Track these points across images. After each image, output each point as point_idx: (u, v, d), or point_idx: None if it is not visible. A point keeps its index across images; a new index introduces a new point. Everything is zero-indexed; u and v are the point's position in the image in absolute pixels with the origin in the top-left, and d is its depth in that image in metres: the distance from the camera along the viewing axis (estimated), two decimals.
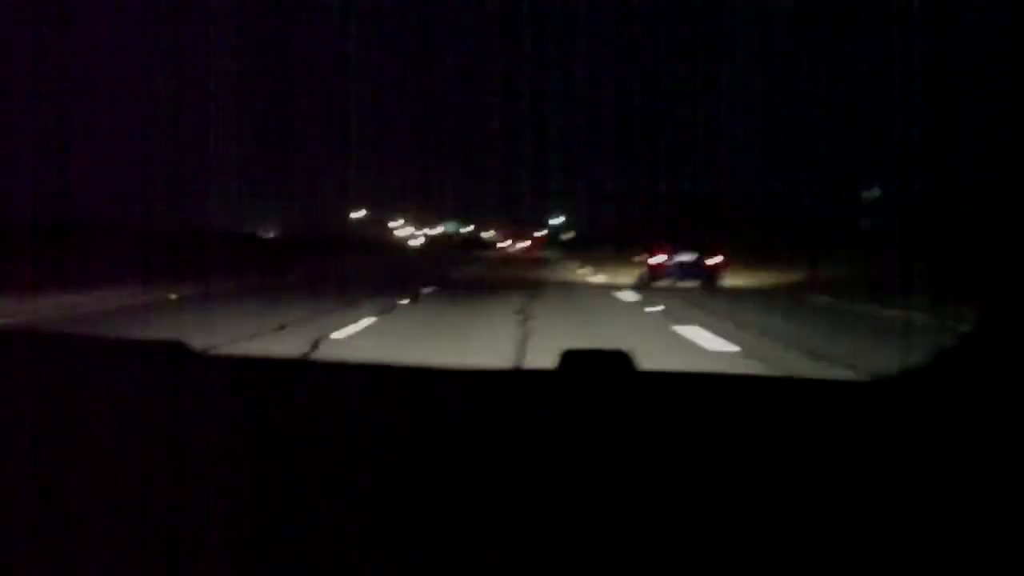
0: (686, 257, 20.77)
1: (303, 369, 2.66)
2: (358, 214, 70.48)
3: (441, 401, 1.74)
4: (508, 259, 47.56)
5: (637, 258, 22.99)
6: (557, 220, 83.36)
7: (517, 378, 2.20)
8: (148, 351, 1.98)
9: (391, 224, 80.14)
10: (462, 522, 1.38)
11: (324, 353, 8.13)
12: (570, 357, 1.85)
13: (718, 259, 20.82)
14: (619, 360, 1.85)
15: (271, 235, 48.68)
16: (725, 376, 2.46)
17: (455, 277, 24.69)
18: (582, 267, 33.47)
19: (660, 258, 20.93)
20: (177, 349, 1.92)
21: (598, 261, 36.50)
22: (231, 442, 1.52)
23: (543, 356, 4.10)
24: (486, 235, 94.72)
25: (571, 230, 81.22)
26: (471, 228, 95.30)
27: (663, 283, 20.59)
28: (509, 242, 78.37)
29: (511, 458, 1.50)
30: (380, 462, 1.49)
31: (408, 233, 79.17)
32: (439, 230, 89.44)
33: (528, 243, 75.77)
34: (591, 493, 1.41)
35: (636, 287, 20.68)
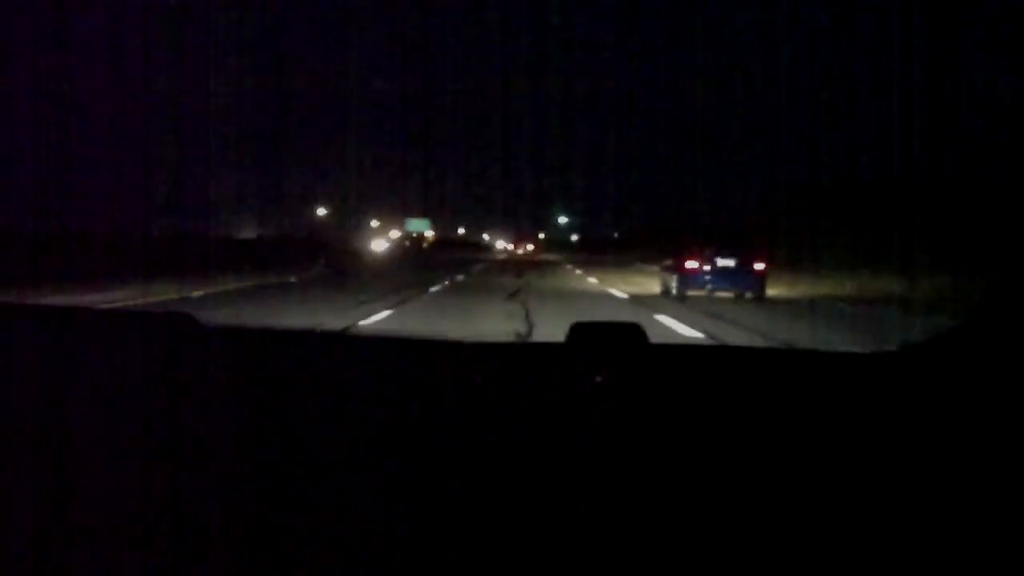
0: (727, 261, 17.44)
1: (314, 341, 2.61)
2: (323, 213, 62.83)
3: (449, 373, 1.74)
4: (508, 264, 40.58)
5: (666, 263, 19.42)
6: (563, 220, 79.86)
7: (526, 351, 2.19)
8: (155, 323, 1.96)
9: (373, 224, 72.24)
10: (473, 493, 1.39)
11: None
12: (579, 330, 1.81)
13: (762, 264, 17.51)
14: (630, 332, 1.82)
15: (252, 236, 45.44)
16: (736, 348, 2.89)
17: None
18: (590, 273, 30.02)
19: (694, 263, 17.54)
20: (185, 321, 1.89)
21: (613, 268, 33.24)
22: (236, 411, 1.54)
23: None
24: (486, 238, 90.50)
25: (577, 231, 77.85)
26: (466, 230, 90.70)
27: (694, 292, 17.30)
28: (511, 246, 74.70)
29: (519, 430, 1.52)
30: (390, 432, 1.51)
31: (384, 235, 68.86)
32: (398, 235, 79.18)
33: (532, 247, 72.47)
34: (601, 464, 1.43)
35: (668, 296, 17.54)
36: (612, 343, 1.82)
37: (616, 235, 76.75)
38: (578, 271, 31.85)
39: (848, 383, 1.68)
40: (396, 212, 76.28)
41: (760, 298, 17.13)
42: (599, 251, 63.58)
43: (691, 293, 17.32)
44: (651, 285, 20.47)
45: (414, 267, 31.06)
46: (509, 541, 1.34)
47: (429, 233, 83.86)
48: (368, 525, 1.37)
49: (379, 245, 59.11)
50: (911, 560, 1.29)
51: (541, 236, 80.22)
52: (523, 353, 2.06)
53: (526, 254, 65.03)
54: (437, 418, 1.54)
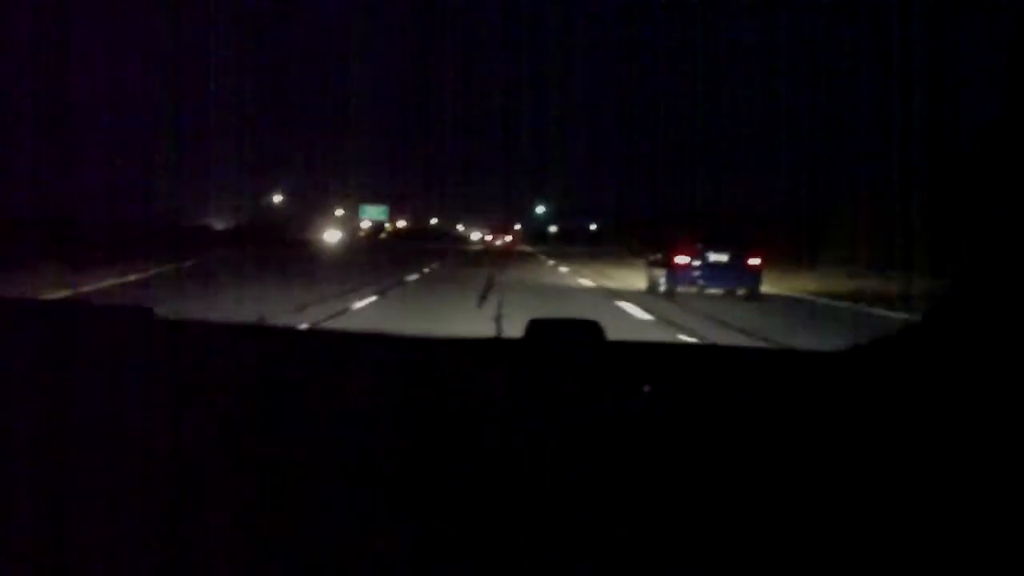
0: (719, 256, 16.15)
1: (277, 336, 2.55)
2: (277, 200, 57.63)
3: (409, 369, 1.76)
4: (482, 258, 36.58)
5: (651, 257, 18.06)
6: (540, 209, 78.19)
7: (483, 347, 2.11)
8: (114, 318, 1.93)
9: (338, 213, 66.86)
10: (436, 491, 1.38)
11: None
12: (537, 326, 1.80)
13: (758, 259, 16.24)
14: (588, 329, 1.80)
15: (226, 226, 43.54)
16: (697, 346, 2.80)
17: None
18: (568, 266, 28.57)
19: (685, 257, 16.23)
20: (143, 315, 1.89)
21: (596, 260, 31.80)
22: (199, 407, 1.53)
23: None
24: (460, 228, 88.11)
25: (555, 222, 76.53)
26: (441, 219, 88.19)
27: (682, 288, 16.04)
28: (489, 236, 73.07)
29: (477, 426, 1.52)
30: (346, 432, 1.50)
31: (341, 223, 62.42)
32: (367, 222, 71.95)
33: (510, 238, 71.12)
34: (558, 461, 1.43)
35: (654, 293, 16.26)
36: (570, 339, 1.83)
37: (593, 227, 75.52)
38: (562, 267, 28.93)
39: (813, 379, 1.73)
40: (365, 201, 72.90)
41: (754, 296, 15.89)
42: (578, 242, 62.06)
43: (681, 290, 16.06)
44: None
45: (368, 260, 27.50)
46: (474, 541, 1.32)
47: (399, 222, 78.69)
48: (346, 524, 1.34)
49: (332, 235, 53.29)
50: (891, 559, 1.27)
51: (517, 227, 78.75)
52: (480, 348, 2.04)
53: (504, 245, 63.58)
54: (395, 414, 1.55)
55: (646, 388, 1.63)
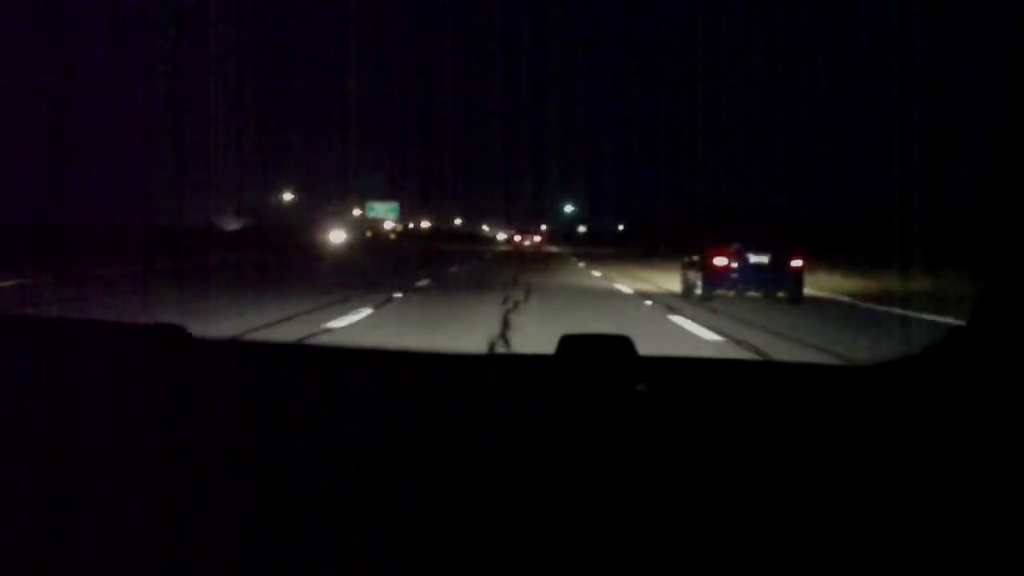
0: (760, 257, 15.32)
1: (301, 354, 2.61)
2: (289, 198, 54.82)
3: (438, 385, 1.75)
4: (510, 261, 33.54)
5: (689, 258, 17.24)
6: (568, 208, 77.18)
7: (514, 363, 2.16)
8: (147, 335, 1.93)
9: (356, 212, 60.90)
10: (461, 507, 1.38)
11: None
12: (568, 342, 1.79)
13: (799, 260, 15.39)
14: (620, 345, 1.80)
15: (235, 227, 42.74)
16: (729, 361, 2.72)
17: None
18: (600, 270, 27.71)
19: (723, 259, 15.42)
20: (176, 333, 1.87)
21: (623, 261, 30.91)
22: (225, 424, 1.53)
23: None
24: (486, 229, 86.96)
25: (583, 222, 75.67)
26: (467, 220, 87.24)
27: (720, 291, 15.26)
28: (518, 237, 72.15)
29: (507, 444, 1.51)
30: (380, 445, 1.50)
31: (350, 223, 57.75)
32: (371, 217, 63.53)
33: (539, 238, 70.32)
34: (591, 478, 1.41)
35: (691, 294, 15.47)
36: (601, 355, 1.80)
37: (621, 227, 74.46)
38: (594, 271, 26.05)
39: (839, 396, 1.68)
40: (385, 199, 66.55)
41: (796, 299, 15.05)
42: (612, 244, 60.67)
43: (719, 293, 15.28)
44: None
45: (373, 264, 25.36)
46: (497, 556, 1.33)
47: (423, 222, 72.71)
48: (362, 538, 1.35)
49: (337, 236, 49.95)
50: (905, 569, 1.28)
51: (543, 227, 77.78)
52: (512, 365, 2.05)
53: (533, 246, 62.73)
54: (428, 430, 1.53)
55: (641, 387, 1.63)
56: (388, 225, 68.08)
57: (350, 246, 45.46)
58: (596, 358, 1.77)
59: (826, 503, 1.34)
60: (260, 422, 1.54)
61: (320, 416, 1.58)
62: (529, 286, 18.32)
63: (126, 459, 1.44)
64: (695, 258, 16.49)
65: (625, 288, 19.15)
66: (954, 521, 1.28)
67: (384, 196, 68.62)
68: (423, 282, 18.55)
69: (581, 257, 41.15)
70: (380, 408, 1.60)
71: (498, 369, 1.91)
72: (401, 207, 69.50)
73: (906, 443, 1.42)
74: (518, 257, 40.05)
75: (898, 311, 14.02)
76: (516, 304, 13.48)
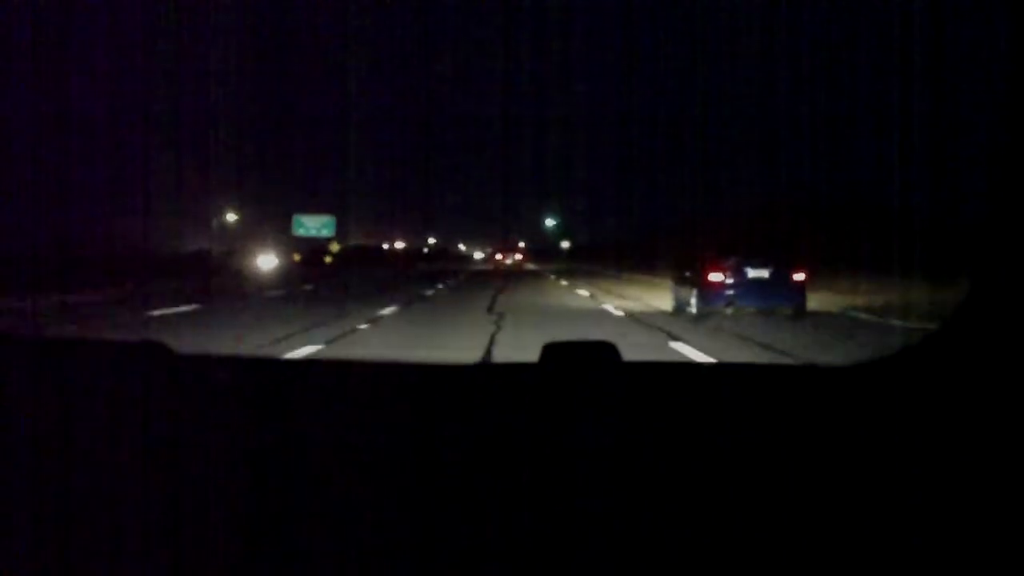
0: (759, 272, 14.21)
1: (284, 368, 2.63)
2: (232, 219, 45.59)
3: (421, 396, 1.74)
4: (485, 284, 28.73)
5: (681, 274, 16.10)
6: (550, 222, 75.79)
7: (497, 372, 2.19)
8: (128, 354, 1.94)
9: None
10: (449, 515, 1.42)
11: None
12: (552, 350, 1.80)
13: (802, 274, 14.30)
14: (603, 351, 1.80)
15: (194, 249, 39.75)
16: (711, 365, 2.75)
17: None
18: (591, 292, 26.52)
19: (719, 274, 14.29)
20: (158, 351, 1.88)
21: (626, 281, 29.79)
22: (210, 439, 1.56)
23: None
24: (462, 248, 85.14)
25: (566, 237, 74.52)
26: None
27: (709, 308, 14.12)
28: (499, 256, 70.85)
29: (491, 452, 1.52)
30: (368, 457, 1.53)
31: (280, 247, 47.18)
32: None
33: (520, 256, 69.12)
34: (575, 482, 1.43)
35: (684, 312, 14.31)
36: (585, 362, 1.80)
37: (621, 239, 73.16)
38: (596, 297, 20.79)
39: (825, 395, 1.69)
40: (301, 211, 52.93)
41: (800, 314, 13.94)
42: (600, 259, 59.05)
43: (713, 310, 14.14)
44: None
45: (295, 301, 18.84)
46: (487, 559, 1.34)
47: (397, 243, 63.49)
48: (350, 550, 1.38)
49: (267, 262, 41.45)
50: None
51: (521, 244, 76.25)
52: (496, 373, 2.05)
53: (515, 264, 61.42)
54: (412, 440, 1.54)
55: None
56: (333, 247, 54.86)
57: (283, 272, 38.14)
58: (580, 365, 1.79)
59: (806, 501, 1.37)
60: (244, 435, 1.56)
61: (304, 429, 1.59)
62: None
63: (113, 472, 1.48)
64: (688, 274, 15.37)
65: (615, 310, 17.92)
66: (928, 514, 1.32)
67: (324, 209, 53.59)
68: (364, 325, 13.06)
69: (565, 276, 38.75)
70: (365, 418, 1.61)
71: (483, 379, 1.94)
72: (365, 224, 58.26)
73: (882, 441, 1.45)
74: (500, 276, 37.78)
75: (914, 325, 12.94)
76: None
